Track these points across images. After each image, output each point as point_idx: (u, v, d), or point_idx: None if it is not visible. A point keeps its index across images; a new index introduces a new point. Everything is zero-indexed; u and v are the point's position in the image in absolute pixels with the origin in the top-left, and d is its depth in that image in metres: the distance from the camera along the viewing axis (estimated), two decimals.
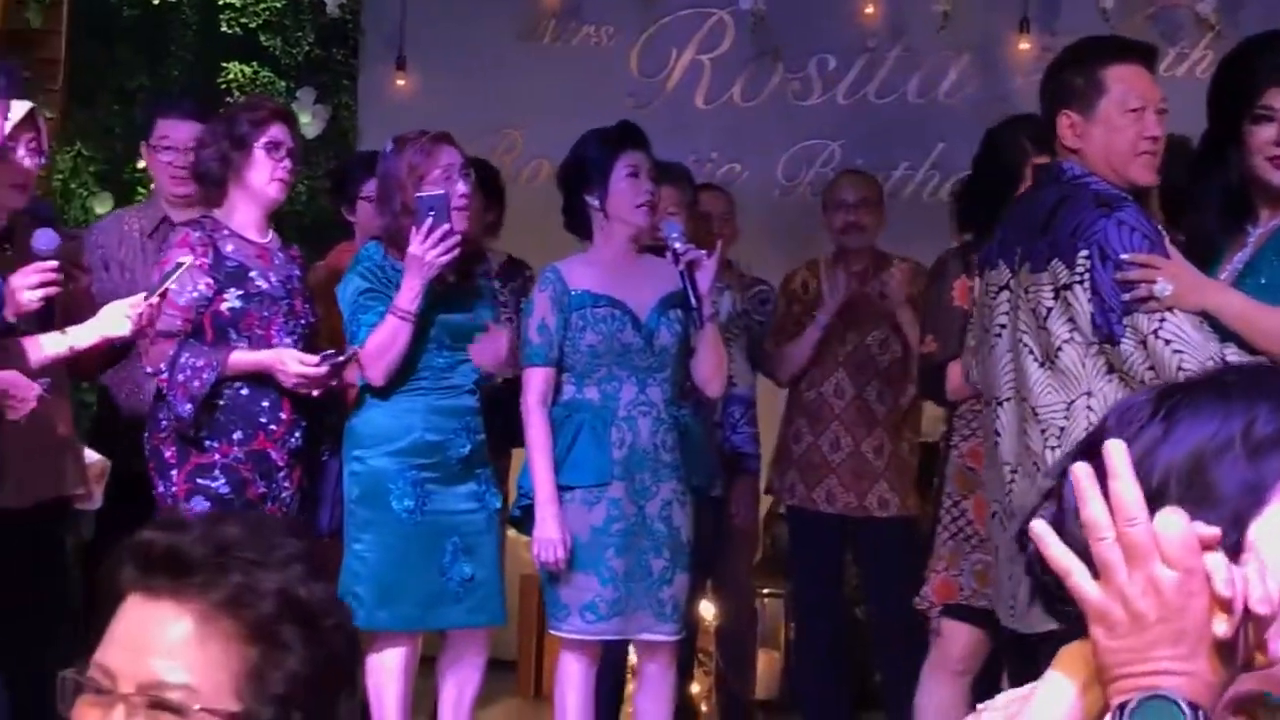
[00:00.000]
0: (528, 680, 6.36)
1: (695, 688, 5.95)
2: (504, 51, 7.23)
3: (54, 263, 3.96)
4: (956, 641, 4.49)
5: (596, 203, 4.49)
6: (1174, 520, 1.23)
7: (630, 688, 5.29)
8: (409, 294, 4.36)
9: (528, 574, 4.85)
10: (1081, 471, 1.25)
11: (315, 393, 4.39)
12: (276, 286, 4.45)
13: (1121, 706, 1.22)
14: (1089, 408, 3.39)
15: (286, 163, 4.45)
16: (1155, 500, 1.29)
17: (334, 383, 4.41)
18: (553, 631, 4.55)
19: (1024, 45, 6.57)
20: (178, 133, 4.94)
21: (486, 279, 4.66)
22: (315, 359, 4.34)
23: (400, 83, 7.23)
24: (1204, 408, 1.40)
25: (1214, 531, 1.23)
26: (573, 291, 4.46)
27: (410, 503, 4.43)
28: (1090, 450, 1.41)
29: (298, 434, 4.43)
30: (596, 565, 4.40)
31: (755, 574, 6.01)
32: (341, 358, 4.38)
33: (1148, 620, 1.22)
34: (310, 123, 7.03)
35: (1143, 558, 1.22)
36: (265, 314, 4.39)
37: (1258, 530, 1.40)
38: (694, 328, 4.51)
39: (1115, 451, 1.25)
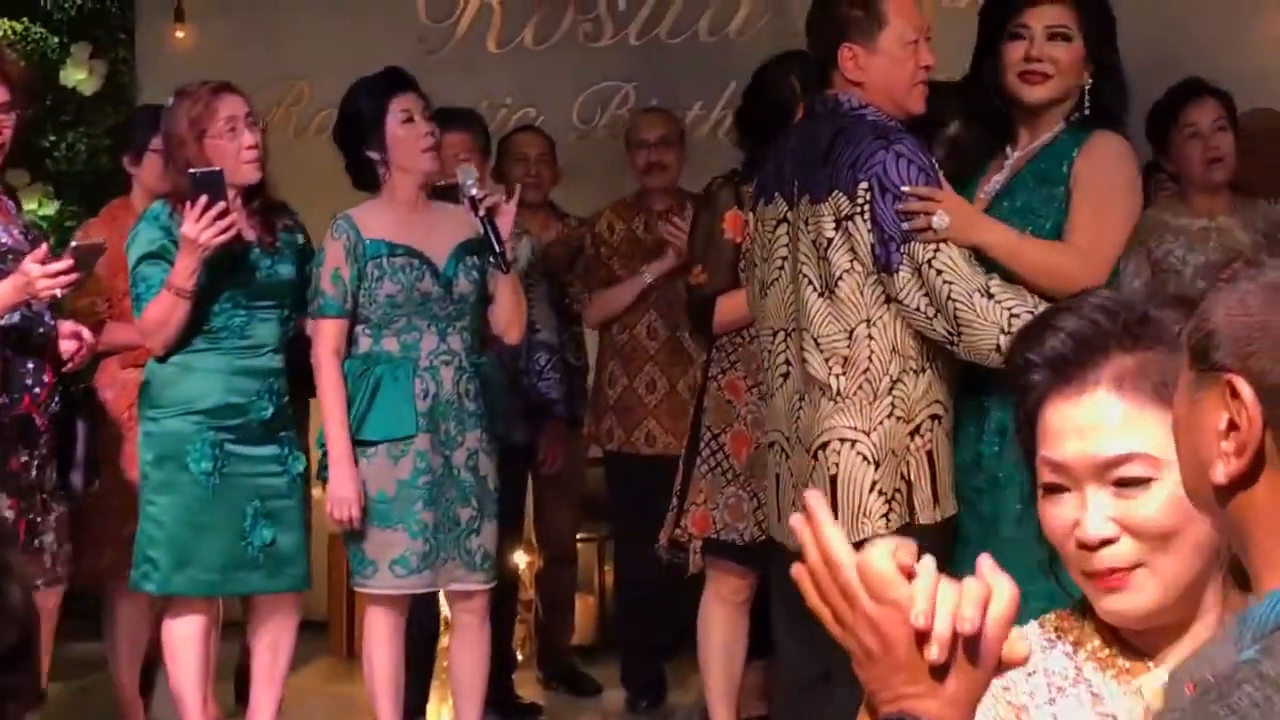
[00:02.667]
0: (340, 640, 6.28)
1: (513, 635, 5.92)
2: (286, 1, 7.04)
3: None
4: (720, 575, 4.58)
5: (377, 155, 4.39)
6: (873, 558, 1.28)
7: (445, 640, 5.25)
8: (184, 273, 4.24)
9: (335, 532, 4.75)
10: (798, 523, 1.32)
11: (74, 349, 4.24)
12: (20, 240, 4.27)
13: None
14: (869, 335, 3.47)
15: None
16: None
17: (83, 273, 4.17)
18: (359, 589, 4.49)
19: None
20: None
21: (289, 233, 4.53)
22: (42, 255, 4.10)
23: (179, 35, 7.02)
24: None
25: (910, 562, 1.28)
26: (367, 241, 4.37)
27: (208, 465, 4.32)
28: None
29: (57, 398, 4.29)
30: (405, 519, 4.34)
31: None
32: (89, 243, 4.23)
33: (875, 654, 1.29)
34: (87, 79, 6.79)
35: (854, 597, 1.29)
36: (13, 270, 4.17)
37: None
38: (498, 274, 4.45)
39: (814, 502, 1.31)
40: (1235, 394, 1.23)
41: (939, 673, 1.27)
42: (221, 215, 4.19)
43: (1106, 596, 1.61)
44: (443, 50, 7.01)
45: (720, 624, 4.60)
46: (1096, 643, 1.66)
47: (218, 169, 4.24)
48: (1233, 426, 1.23)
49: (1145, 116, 4.80)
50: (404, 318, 4.37)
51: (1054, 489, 1.63)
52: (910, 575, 1.27)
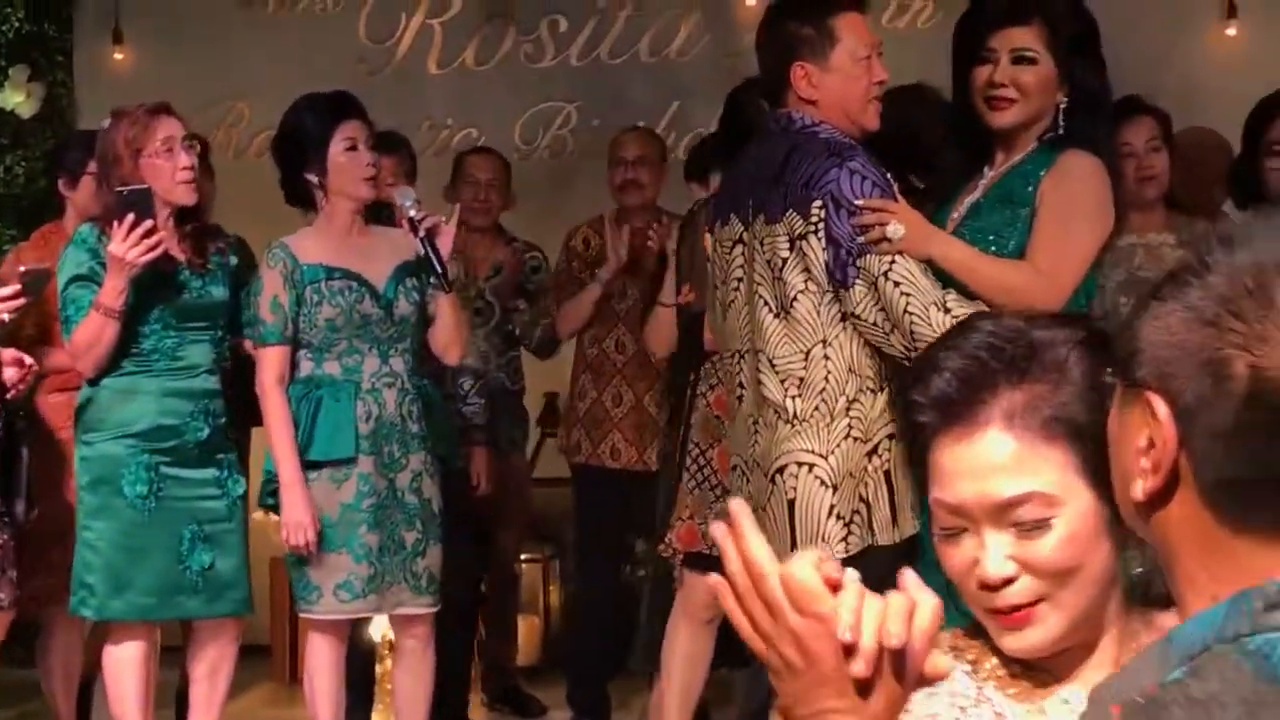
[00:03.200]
0: (282, 665, 6.24)
1: None
2: (225, 21, 7.02)
3: None
4: (698, 590, 4.57)
5: (316, 179, 4.37)
6: (798, 569, 1.26)
7: (387, 664, 5.22)
8: (112, 292, 4.22)
9: (277, 557, 4.72)
10: (719, 532, 1.29)
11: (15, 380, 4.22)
12: None
13: None
14: (826, 356, 3.44)
15: None
16: None
17: (31, 297, 4.20)
18: (304, 614, 4.45)
19: (751, 2, 6.62)
20: None
21: (221, 255, 4.51)
22: None
23: (118, 57, 6.99)
24: None
25: (836, 575, 1.26)
26: (304, 266, 4.35)
27: (143, 488, 4.30)
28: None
29: (0, 425, 4.26)
30: (349, 542, 4.32)
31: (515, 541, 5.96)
32: (37, 268, 4.24)
33: (798, 667, 1.26)
34: (25, 102, 6.73)
35: (778, 609, 1.26)
36: None
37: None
38: (438, 294, 4.43)
39: (740, 511, 1.29)
40: (1153, 412, 1.24)
41: (864, 687, 1.25)
42: (149, 233, 4.16)
43: (1010, 634, 1.61)
44: (384, 71, 7.01)
45: (686, 638, 4.60)
46: (995, 661, 1.66)
47: (146, 187, 4.22)
48: (1151, 444, 1.24)
49: None
50: (345, 340, 4.35)
51: (951, 530, 1.62)
52: (835, 588, 1.26)
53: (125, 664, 4.37)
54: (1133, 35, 6.38)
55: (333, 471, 4.32)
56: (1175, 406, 1.23)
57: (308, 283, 4.34)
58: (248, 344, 4.49)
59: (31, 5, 6.93)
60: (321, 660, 4.40)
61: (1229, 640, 1.18)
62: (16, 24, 6.87)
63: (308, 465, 4.30)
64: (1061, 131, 3.46)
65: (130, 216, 4.14)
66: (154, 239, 4.17)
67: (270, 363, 4.32)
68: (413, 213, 4.34)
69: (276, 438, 4.29)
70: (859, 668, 1.25)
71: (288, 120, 4.46)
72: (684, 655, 4.60)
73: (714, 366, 4.55)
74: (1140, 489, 1.26)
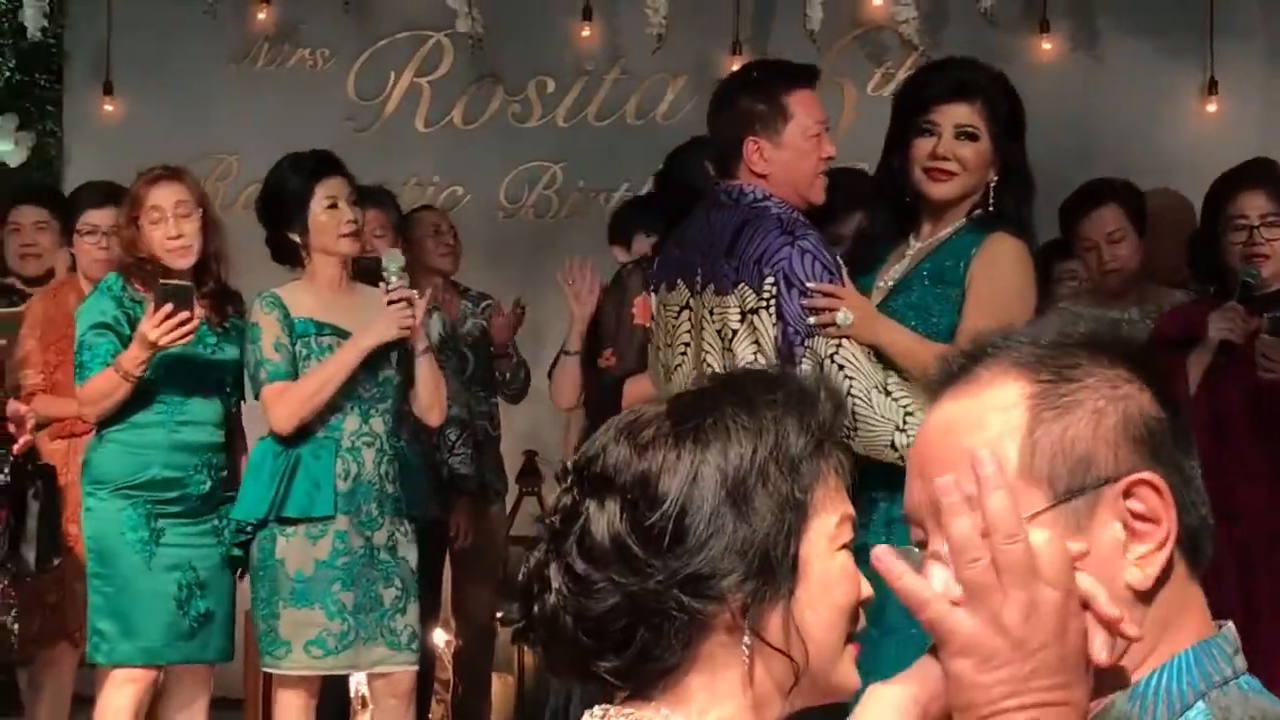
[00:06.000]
0: (255, 718, 6.20)
1: (430, 715, 5.88)
2: (216, 75, 7.06)
3: None
4: None
5: (298, 238, 4.40)
6: (1050, 537, 1.16)
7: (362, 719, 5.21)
8: (133, 359, 4.30)
9: (249, 610, 4.72)
10: (949, 485, 1.16)
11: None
12: None
13: None
14: None
15: None
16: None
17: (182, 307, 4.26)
18: (269, 670, 4.46)
19: (736, 66, 6.67)
20: None
21: (238, 317, 4.56)
22: None
23: (108, 108, 7.01)
24: (733, 426, 1.46)
25: (1082, 547, 1.18)
26: (295, 319, 4.37)
27: (145, 534, 4.38)
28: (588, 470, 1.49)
29: (5, 470, 4.34)
30: (323, 598, 4.32)
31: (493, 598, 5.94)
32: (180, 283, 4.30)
33: (1030, 647, 1.13)
34: (12, 150, 6.78)
35: (1023, 578, 1.13)
36: None
37: (806, 548, 1.48)
38: (420, 358, 4.44)
39: (986, 461, 1.16)
40: (1129, 494, 1.21)
41: (1097, 677, 1.16)
42: (184, 322, 4.22)
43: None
44: (371, 128, 7.05)
45: None
46: None
47: (187, 284, 4.29)
48: (1130, 532, 1.21)
49: (1060, 207, 4.88)
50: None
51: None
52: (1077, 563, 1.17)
53: (122, 710, 4.41)
54: (1113, 110, 6.47)
55: (309, 528, 4.32)
56: (1164, 475, 1.22)
57: (297, 336, 4.37)
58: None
59: (23, 55, 6.98)
60: (290, 717, 4.40)
61: (1220, 686, 1.20)
62: (8, 73, 6.93)
63: (285, 520, 4.32)
64: (991, 208, 3.56)
65: (169, 306, 4.20)
66: (187, 327, 4.23)
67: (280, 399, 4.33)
68: (393, 280, 4.35)
69: (320, 370, 4.30)
70: (1105, 653, 1.16)
71: (269, 180, 4.51)
72: None
73: None
74: (1144, 576, 1.21)
